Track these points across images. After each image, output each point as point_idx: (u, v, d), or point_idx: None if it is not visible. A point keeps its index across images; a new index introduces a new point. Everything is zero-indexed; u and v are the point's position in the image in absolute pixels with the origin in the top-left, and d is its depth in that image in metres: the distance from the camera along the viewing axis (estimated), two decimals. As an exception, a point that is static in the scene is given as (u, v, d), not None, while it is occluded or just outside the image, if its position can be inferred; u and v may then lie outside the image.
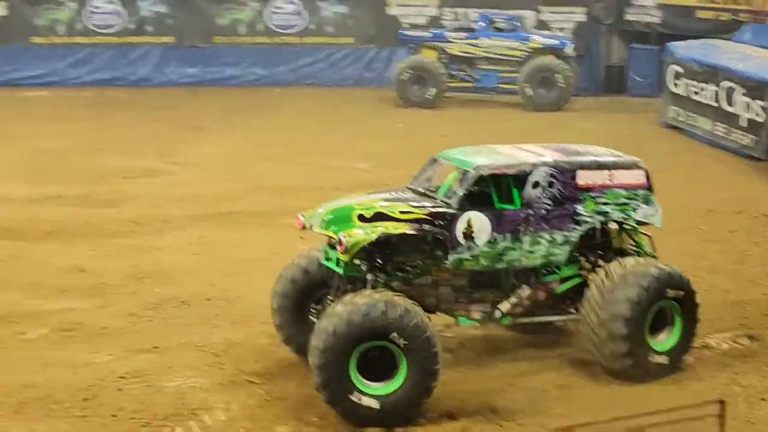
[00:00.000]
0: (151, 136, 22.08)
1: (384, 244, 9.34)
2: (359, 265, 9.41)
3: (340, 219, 9.38)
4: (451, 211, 9.46)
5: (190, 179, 18.20)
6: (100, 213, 15.69)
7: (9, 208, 15.62)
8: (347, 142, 21.56)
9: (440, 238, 9.41)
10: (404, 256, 9.61)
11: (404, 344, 8.65)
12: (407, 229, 9.31)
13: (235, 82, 29.43)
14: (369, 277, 9.36)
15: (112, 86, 28.46)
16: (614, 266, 9.81)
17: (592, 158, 10.12)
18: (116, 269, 12.89)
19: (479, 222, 9.54)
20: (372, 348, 8.68)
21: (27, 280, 12.39)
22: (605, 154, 10.36)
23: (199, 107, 25.82)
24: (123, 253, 13.59)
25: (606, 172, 10.04)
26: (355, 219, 9.31)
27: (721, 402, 7.21)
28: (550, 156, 9.97)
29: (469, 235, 9.52)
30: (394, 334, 8.63)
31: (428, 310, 9.42)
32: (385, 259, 9.52)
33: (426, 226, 9.38)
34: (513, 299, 9.86)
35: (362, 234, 9.17)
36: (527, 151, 10.18)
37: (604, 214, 10.03)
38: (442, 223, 9.43)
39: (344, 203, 9.63)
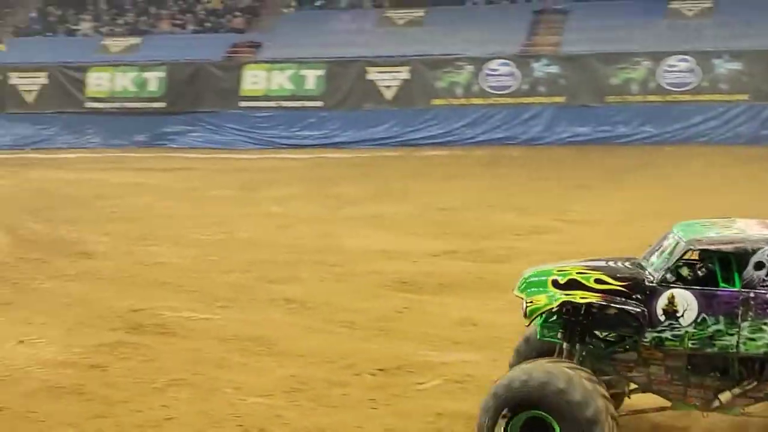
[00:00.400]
0: (540, 193, 22.55)
1: (578, 313, 8.88)
2: (557, 333, 9.05)
3: (537, 283, 9.02)
4: (652, 284, 8.70)
5: (579, 237, 18.29)
6: (492, 268, 16.08)
7: (408, 262, 16.49)
8: (741, 203, 20.79)
9: (632, 312, 8.68)
10: (601, 328, 9.07)
11: (557, 418, 8.10)
12: (595, 300, 8.74)
13: (625, 140, 29.42)
14: (565, 345, 8.98)
15: (504, 145, 29.45)
16: None
17: None
18: (507, 323, 13.15)
19: (684, 300, 8.65)
20: (535, 417, 8.20)
21: (421, 331, 12.84)
22: None
23: (588, 165, 26.02)
24: (514, 308, 13.87)
25: None
26: (550, 284, 8.88)
27: None
28: None
29: (671, 312, 8.66)
30: (544, 407, 8.15)
31: (640, 389, 8.90)
32: (584, 329, 9.01)
33: (619, 299, 8.71)
34: (737, 390, 8.75)
35: (544, 300, 8.77)
36: (758, 226, 9.02)
37: None
38: (639, 297, 8.70)
39: (547, 267, 9.16)
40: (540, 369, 8.35)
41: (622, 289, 8.71)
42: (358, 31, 33.15)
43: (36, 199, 23.51)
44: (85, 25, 36.06)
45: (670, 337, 8.67)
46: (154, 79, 32.23)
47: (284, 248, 17.51)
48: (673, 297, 8.63)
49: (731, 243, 8.68)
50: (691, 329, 8.61)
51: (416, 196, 22.74)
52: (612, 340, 9.07)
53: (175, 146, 31.86)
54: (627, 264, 9.12)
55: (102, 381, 11.08)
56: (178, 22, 36.01)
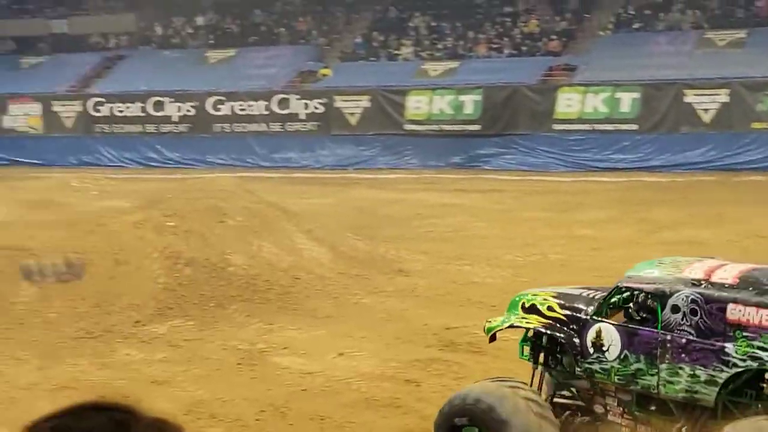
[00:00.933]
0: None
1: (540, 337, 9.31)
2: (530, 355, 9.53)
3: (513, 304, 9.60)
4: (584, 317, 9.00)
5: None
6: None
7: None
8: None
9: (564, 341, 9.07)
10: (558, 354, 9.32)
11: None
12: (538, 326, 9.19)
13: None
14: (533, 367, 9.40)
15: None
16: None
17: (753, 293, 8.30)
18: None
19: (609, 335, 8.81)
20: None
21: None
22: None
23: None
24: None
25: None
26: (519, 307, 9.42)
27: None
28: (715, 279, 8.57)
29: (598, 346, 8.88)
30: (476, 422, 8.48)
31: (601, 418, 9.04)
32: (546, 353, 9.38)
33: (559, 327, 9.07)
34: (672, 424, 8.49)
35: (498, 321, 9.49)
36: (704, 269, 8.79)
37: (759, 360, 8.13)
38: (575, 327, 9.03)
39: (527, 291, 9.64)
40: (480, 387, 8.82)
41: (563, 318, 9.10)
42: (675, 53, 32.48)
43: (357, 217, 24.74)
44: (406, 50, 37.52)
45: (598, 370, 8.88)
46: (470, 102, 33.02)
47: (596, 271, 17.49)
48: (600, 331, 8.86)
49: (652, 284, 8.68)
50: (615, 364, 8.74)
51: (733, 222, 22.01)
52: (564, 366, 9.35)
53: (488, 168, 32.47)
54: (589, 294, 9.35)
55: (416, 396, 11.60)
56: (495, 45, 36.73)
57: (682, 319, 8.47)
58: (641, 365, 8.68)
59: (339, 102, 34.53)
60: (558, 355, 9.41)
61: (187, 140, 35.29)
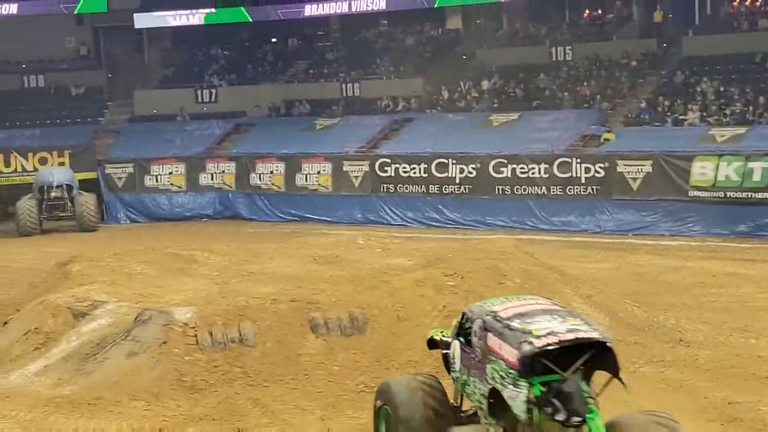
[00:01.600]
0: None
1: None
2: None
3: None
4: (448, 339, 11.35)
5: None
6: None
7: None
8: None
9: (444, 354, 11.49)
10: None
11: (392, 412, 10.84)
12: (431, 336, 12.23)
13: None
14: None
15: None
16: None
17: (502, 326, 9.90)
18: None
19: (456, 351, 10.91)
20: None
21: None
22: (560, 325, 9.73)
23: None
24: None
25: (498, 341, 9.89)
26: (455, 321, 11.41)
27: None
28: (501, 312, 10.17)
29: (453, 359, 10.97)
30: (386, 403, 11.08)
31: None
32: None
33: (445, 341, 11.54)
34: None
35: (430, 332, 12.59)
36: (509, 304, 10.43)
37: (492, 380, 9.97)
38: (448, 342, 11.30)
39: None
40: (397, 377, 11.78)
41: (446, 337, 11.57)
42: None
43: (636, 283, 24.30)
44: (692, 115, 36.64)
45: (458, 379, 10.82)
46: (759, 169, 31.75)
47: None
48: (454, 348, 10.90)
49: (470, 311, 10.74)
50: (459, 374, 10.77)
51: None
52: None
53: (777, 237, 31.09)
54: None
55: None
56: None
57: (477, 341, 10.24)
58: (465, 377, 10.68)
59: (621, 166, 34.14)
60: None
61: (469, 201, 35.95)
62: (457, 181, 36.21)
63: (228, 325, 17.16)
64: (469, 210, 35.93)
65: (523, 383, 9.43)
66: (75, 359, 17.60)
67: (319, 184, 38.27)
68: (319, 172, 38.14)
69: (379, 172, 37.20)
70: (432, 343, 12.24)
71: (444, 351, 11.49)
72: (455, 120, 39.38)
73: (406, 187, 36.82)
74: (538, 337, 9.43)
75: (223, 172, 39.54)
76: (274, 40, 48.26)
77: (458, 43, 45.55)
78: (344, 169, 37.80)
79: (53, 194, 36.84)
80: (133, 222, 38.86)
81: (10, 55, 45.32)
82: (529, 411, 9.40)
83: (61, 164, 39.35)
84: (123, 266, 23.09)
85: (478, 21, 46.31)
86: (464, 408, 11.14)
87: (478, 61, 43.45)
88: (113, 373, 16.74)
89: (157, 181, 39.85)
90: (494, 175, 35.61)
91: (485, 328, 10.05)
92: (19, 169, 39.93)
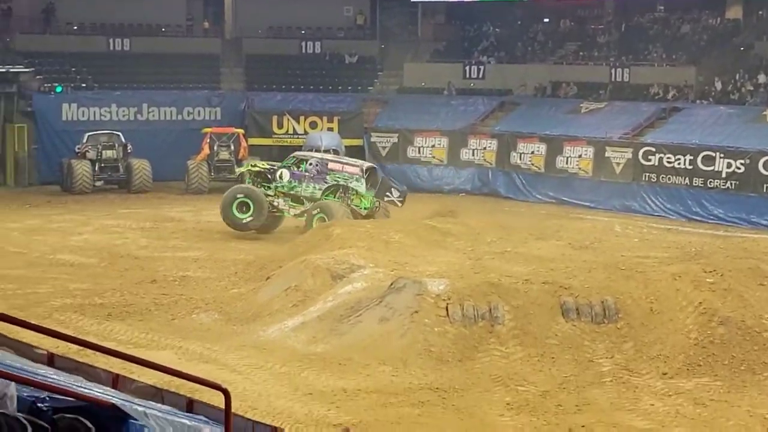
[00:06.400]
0: None
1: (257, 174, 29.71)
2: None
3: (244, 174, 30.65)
4: (276, 166, 29.18)
5: None
6: None
7: None
8: None
9: (268, 176, 29.17)
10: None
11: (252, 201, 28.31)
12: (261, 168, 29.72)
13: None
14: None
15: None
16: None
17: (340, 160, 30.09)
18: None
19: (284, 173, 28.77)
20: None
21: None
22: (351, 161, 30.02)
23: None
24: None
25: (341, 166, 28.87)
26: (248, 173, 30.28)
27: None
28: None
29: (281, 176, 28.70)
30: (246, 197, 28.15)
31: (278, 207, 28.94)
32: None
33: (268, 170, 29.50)
34: (303, 208, 28.30)
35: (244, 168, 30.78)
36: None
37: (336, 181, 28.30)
38: (273, 170, 29.20)
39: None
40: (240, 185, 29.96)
41: (268, 167, 30.04)
42: None
43: None
44: None
45: (281, 187, 28.84)
46: None
47: None
48: (282, 172, 28.86)
49: (301, 155, 30.37)
50: (286, 184, 28.77)
51: None
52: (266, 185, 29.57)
53: None
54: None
55: None
56: None
57: (315, 167, 28.69)
58: (295, 183, 28.67)
59: None
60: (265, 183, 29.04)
61: (734, 198, 34.54)
62: (723, 175, 34.85)
63: (479, 301, 17.39)
64: (733, 206, 34.51)
65: (362, 180, 28.30)
66: (330, 319, 18.34)
67: (580, 168, 37.80)
68: (580, 156, 37.69)
69: (642, 161, 36.33)
70: (246, 174, 30.10)
71: (259, 171, 29.65)
72: (726, 113, 37.82)
73: (669, 178, 35.78)
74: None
75: (485, 148, 39.75)
76: (546, 20, 47.90)
77: (737, 34, 43.66)
78: (606, 154, 37.14)
79: (321, 158, 38.34)
80: (393, 191, 39.79)
81: (292, 21, 47.26)
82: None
83: (330, 129, 40.67)
84: (381, 233, 23.81)
85: (760, 12, 44.21)
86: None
87: (756, 53, 41.54)
88: (364, 337, 17.34)
89: (419, 152, 40.57)
90: (764, 172, 34.00)
91: (323, 161, 29.08)
92: (291, 131, 41.63)
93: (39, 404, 5.71)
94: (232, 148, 37.82)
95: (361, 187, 28.14)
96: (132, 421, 5.55)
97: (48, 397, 5.75)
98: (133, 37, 43.43)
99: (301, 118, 41.51)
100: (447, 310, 17.27)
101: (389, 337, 17.09)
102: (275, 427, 9.80)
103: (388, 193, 28.54)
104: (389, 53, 47.28)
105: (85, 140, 37.03)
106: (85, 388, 7.41)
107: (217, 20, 47.95)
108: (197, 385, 10.01)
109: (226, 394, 6.29)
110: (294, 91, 43.63)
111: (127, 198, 35.41)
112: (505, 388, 15.47)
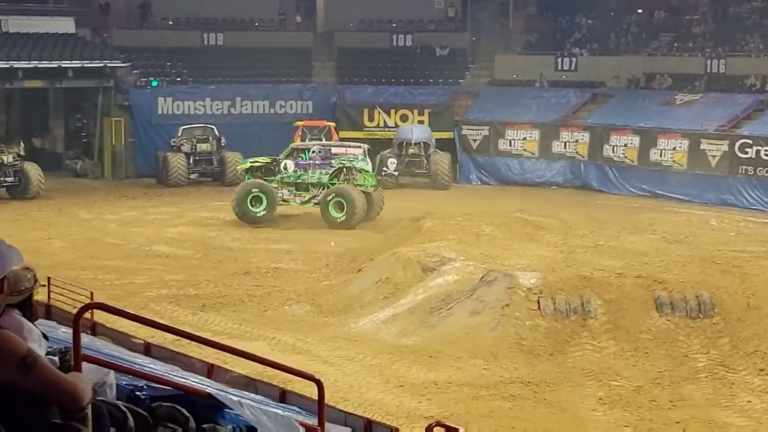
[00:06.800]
0: None
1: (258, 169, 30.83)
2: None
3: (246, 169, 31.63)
4: (279, 158, 30.35)
5: None
6: None
7: None
8: None
9: (271, 168, 30.44)
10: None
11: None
12: (263, 163, 30.73)
13: None
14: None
15: None
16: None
17: (342, 144, 32.05)
18: None
19: (288, 164, 30.20)
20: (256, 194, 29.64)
21: None
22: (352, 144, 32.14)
23: None
24: None
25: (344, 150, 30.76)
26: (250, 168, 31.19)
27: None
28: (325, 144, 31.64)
29: (284, 168, 30.12)
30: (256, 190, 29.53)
31: (282, 198, 30.05)
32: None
33: (272, 163, 30.62)
34: (309, 195, 29.98)
35: (246, 164, 31.52)
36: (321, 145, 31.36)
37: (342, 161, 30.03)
38: (277, 161, 30.39)
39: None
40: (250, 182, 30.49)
41: (271, 161, 30.89)
42: None
43: None
44: None
45: (285, 176, 30.10)
46: None
47: None
48: (285, 163, 30.06)
49: (300, 148, 31.49)
50: (291, 173, 29.97)
51: None
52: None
53: None
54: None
55: None
56: None
57: (318, 154, 30.25)
58: (300, 172, 29.94)
59: None
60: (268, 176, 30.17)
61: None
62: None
63: (571, 295, 17.25)
64: (835, 201, 33.69)
65: (367, 159, 30.59)
66: (420, 312, 18.38)
67: (674, 161, 37.16)
68: (674, 149, 37.05)
69: (738, 153, 35.57)
70: (247, 170, 31.08)
71: (263, 165, 30.71)
72: (827, 103, 36.88)
73: (767, 171, 35.02)
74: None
75: (577, 141, 39.34)
76: (639, 11, 47.20)
77: (837, 22, 42.51)
78: (701, 147, 36.46)
79: (411, 151, 38.17)
80: (484, 184, 39.55)
81: (383, 14, 47.33)
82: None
83: (421, 122, 40.66)
84: (472, 226, 23.76)
85: None
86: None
87: None
88: (455, 330, 17.34)
89: (510, 145, 40.30)
90: None
91: (325, 147, 30.89)
92: (381, 124, 41.72)
93: (137, 392, 5.84)
94: (324, 140, 38.09)
95: (368, 165, 30.14)
96: (227, 410, 5.65)
97: (146, 385, 5.88)
98: (227, 31, 44.02)
99: (392, 110, 41.59)
100: (539, 303, 17.17)
101: (480, 330, 17.06)
102: (393, 428, 9.87)
103: (384, 168, 33.55)
104: (480, 45, 47.10)
105: (179, 134, 37.64)
106: (181, 377, 7.56)
107: (309, 14, 48.32)
108: (289, 376, 10.14)
109: (319, 385, 6.36)
110: (385, 84, 43.70)
111: (220, 190, 35.89)
112: (598, 383, 15.32)
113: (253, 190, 29.51)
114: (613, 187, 37.80)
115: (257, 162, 30.89)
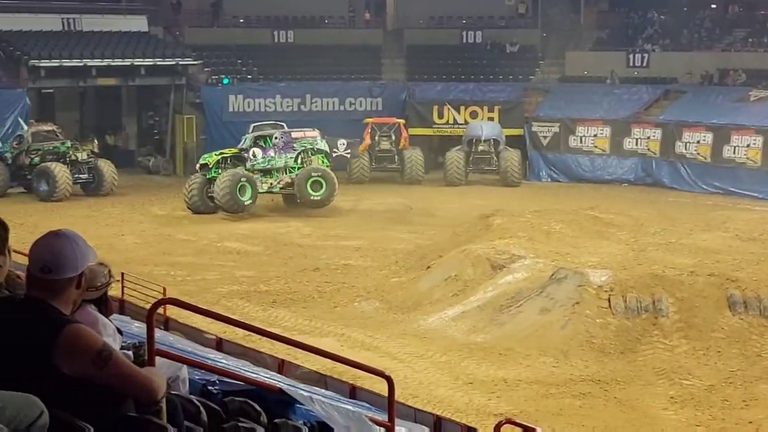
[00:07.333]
0: None
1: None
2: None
3: (203, 165, 31.07)
4: (245, 147, 31.14)
5: None
6: None
7: None
8: None
9: (242, 157, 30.72)
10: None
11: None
12: (231, 154, 31.02)
13: None
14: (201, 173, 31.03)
15: None
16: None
17: (299, 129, 32.30)
18: None
19: (257, 152, 30.93)
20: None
21: None
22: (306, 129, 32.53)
23: None
24: None
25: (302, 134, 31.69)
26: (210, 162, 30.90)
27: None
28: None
29: (254, 155, 30.61)
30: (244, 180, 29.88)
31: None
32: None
33: (238, 155, 30.98)
34: (274, 180, 30.94)
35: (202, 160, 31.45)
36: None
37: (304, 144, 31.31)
38: (244, 151, 30.95)
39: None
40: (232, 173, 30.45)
41: (237, 152, 31.41)
42: None
43: None
44: None
45: (258, 163, 30.57)
46: None
47: None
48: (255, 151, 30.84)
49: (262, 135, 32.09)
50: (261, 160, 30.67)
51: None
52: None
53: None
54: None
55: None
56: None
57: (280, 140, 31.20)
58: (269, 157, 30.79)
59: None
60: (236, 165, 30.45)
61: None
62: None
63: (642, 293, 17.07)
64: None
65: (324, 141, 31.89)
66: (490, 309, 18.34)
67: (747, 158, 36.54)
68: (748, 145, 36.44)
69: (813, 149, 34.95)
70: (203, 167, 30.60)
71: (232, 155, 30.85)
72: None
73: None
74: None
75: (648, 138, 38.88)
76: (713, 6, 46.49)
77: None
78: (776, 143, 35.88)
79: (480, 148, 38.07)
80: (554, 181, 39.26)
81: (452, 11, 47.26)
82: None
83: (490, 119, 40.46)
84: (542, 223, 23.63)
85: None
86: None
87: None
88: (525, 327, 17.27)
89: (581, 142, 39.96)
90: None
91: (286, 133, 31.60)
92: (451, 121, 41.65)
93: (209, 387, 5.92)
94: (393, 138, 38.17)
95: (326, 147, 31.86)
96: (298, 405, 5.70)
97: (218, 380, 5.96)
98: (297, 29, 44.28)
99: (462, 107, 41.48)
100: (609, 301, 17.03)
101: (550, 327, 16.97)
102: (469, 427, 9.87)
103: (335, 149, 34.03)
104: (551, 42, 46.79)
105: (250, 131, 37.97)
106: (252, 372, 7.64)
107: (379, 11, 48.41)
108: (359, 373, 10.19)
109: (389, 381, 6.38)
110: (454, 80, 43.62)
111: (290, 187, 36.13)
112: (669, 382, 15.14)
113: (313, 174, 30.20)
114: (685, 185, 37.28)
115: (223, 154, 31.10)
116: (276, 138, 31.37)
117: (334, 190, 30.52)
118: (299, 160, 31.15)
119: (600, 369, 15.62)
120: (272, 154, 30.98)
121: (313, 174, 30.35)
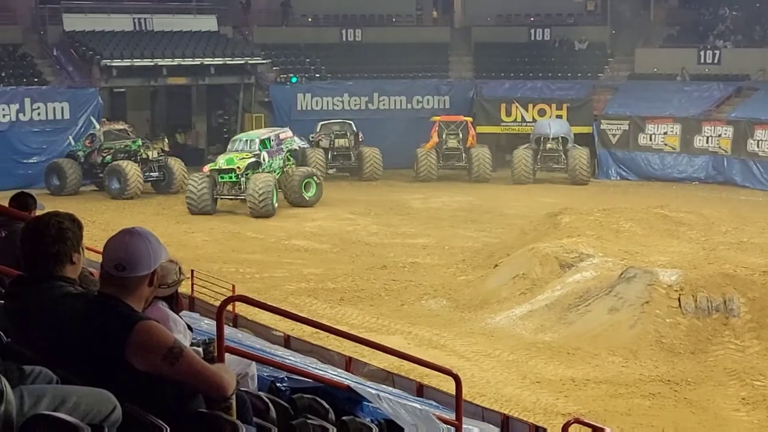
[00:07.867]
0: None
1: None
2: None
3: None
4: (256, 151, 31.21)
5: None
6: None
7: None
8: None
9: (260, 162, 30.93)
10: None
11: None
12: (251, 159, 31.07)
13: None
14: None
15: None
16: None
17: (283, 131, 33.74)
18: None
19: (264, 155, 31.05)
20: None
21: None
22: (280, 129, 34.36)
23: None
24: None
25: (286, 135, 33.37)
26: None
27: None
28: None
29: (264, 159, 31.12)
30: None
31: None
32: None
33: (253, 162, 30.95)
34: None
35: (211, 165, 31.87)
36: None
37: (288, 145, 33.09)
38: (259, 153, 31.13)
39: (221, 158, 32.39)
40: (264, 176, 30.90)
41: (253, 157, 31.43)
42: None
43: None
44: None
45: (269, 165, 31.56)
46: None
47: None
48: (263, 155, 31.42)
49: (266, 137, 32.54)
50: (269, 162, 31.66)
51: None
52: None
53: None
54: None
55: None
56: None
57: (275, 143, 32.14)
58: (271, 160, 31.48)
59: None
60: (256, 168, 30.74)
61: None
62: None
63: (713, 292, 16.84)
64: None
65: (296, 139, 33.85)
66: (558, 308, 18.22)
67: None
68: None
69: None
70: (228, 171, 30.70)
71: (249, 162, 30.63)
72: None
73: None
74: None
75: (720, 136, 38.29)
76: (787, 0, 45.76)
77: None
78: None
79: (549, 146, 37.82)
80: (623, 179, 38.87)
81: (520, 9, 47.03)
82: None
83: (559, 117, 40.20)
84: (611, 222, 23.40)
85: None
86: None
87: None
88: (593, 326, 17.13)
89: (650, 140, 39.50)
90: None
91: (276, 134, 32.52)
92: (519, 118, 41.45)
93: (278, 384, 5.98)
94: (461, 136, 38.08)
95: (297, 146, 33.98)
96: (366, 403, 5.72)
97: (286, 377, 6.01)
98: (365, 27, 44.37)
99: (530, 105, 41.25)
100: (679, 301, 16.82)
101: (619, 327, 16.81)
102: (539, 426, 9.82)
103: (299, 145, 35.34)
104: (620, 39, 46.30)
105: (318, 129, 38.17)
106: (320, 369, 7.69)
107: (447, 9, 48.33)
108: (426, 371, 10.19)
109: (457, 379, 6.38)
110: (522, 78, 43.38)
111: (358, 185, 36.25)
112: (741, 383, 14.91)
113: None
114: (757, 183, 36.66)
115: (244, 160, 30.72)
116: (272, 140, 32.16)
117: (321, 193, 31.96)
118: (283, 161, 32.53)
119: (670, 369, 15.43)
120: (273, 156, 31.70)
121: (307, 177, 31.84)
